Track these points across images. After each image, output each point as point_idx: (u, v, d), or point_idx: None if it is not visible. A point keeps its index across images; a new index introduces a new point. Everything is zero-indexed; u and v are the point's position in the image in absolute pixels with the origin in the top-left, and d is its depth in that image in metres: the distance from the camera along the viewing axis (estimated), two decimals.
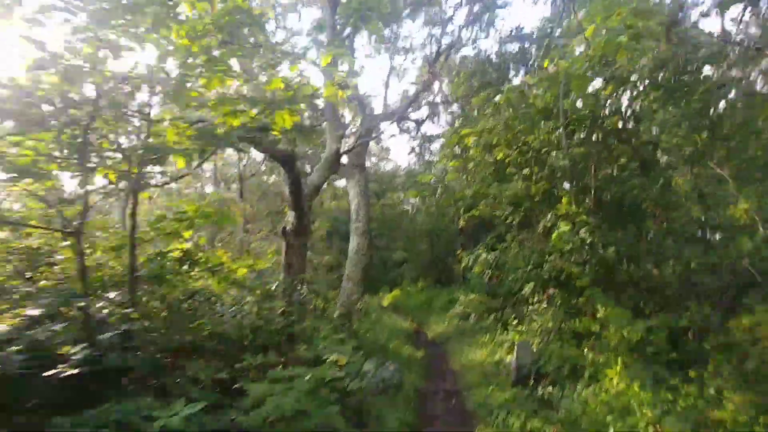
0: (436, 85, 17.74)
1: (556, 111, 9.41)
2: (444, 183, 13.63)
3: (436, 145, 23.52)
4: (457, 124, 13.03)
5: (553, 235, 8.56)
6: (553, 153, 9.51)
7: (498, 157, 11.02)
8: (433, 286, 24.10)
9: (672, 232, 7.96)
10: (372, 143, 26.34)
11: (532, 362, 7.69)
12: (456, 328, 13.62)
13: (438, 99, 18.96)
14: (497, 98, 10.24)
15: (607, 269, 7.54)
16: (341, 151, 10.97)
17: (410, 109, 16.71)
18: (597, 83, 9.63)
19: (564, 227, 8.45)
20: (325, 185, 15.69)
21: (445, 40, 16.60)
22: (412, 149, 23.26)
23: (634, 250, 7.53)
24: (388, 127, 19.12)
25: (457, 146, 12.93)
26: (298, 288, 9.69)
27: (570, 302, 8.28)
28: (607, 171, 9.69)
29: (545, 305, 9.32)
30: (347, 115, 17.53)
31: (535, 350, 8.03)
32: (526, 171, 9.94)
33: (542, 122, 9.48)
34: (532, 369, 7.49)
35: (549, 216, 9.26)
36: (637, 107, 9.51)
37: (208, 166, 20.80)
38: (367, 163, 28.46)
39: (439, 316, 16.36)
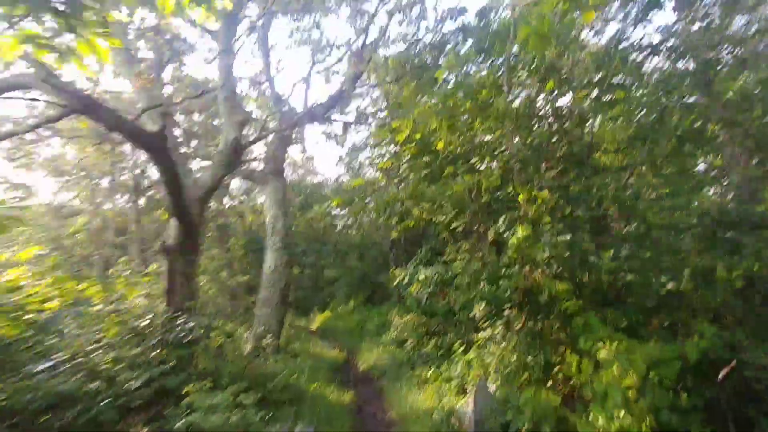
0: (362, 85, 15.78)
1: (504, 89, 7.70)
2: (374, 187, 11.57)
3: (366, 154, 21.57)
4: (386, 115, 11.10)
5: (511, 241, 6.71)
6: (505, 142, 7.75)
7: (438, 147, 9.15)
8: (365, 305, 21.90)
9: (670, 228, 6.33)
10: (295, 152, 23.92)
11: (495, 412, 5.67)
12: (392, 356, 11.46)
13: (367, 100, 16.99)
14: (436, 75, 8.38)
15: (597, 284, 5.75)
16: (242, 141, 8.56)
17: (335, 110, 14.58)
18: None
19: (522, 231, 6.63)
20: (243, 194, 13.14)
21: (373, 35, 14.75)
22: (340, 158, 21.09)
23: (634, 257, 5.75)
24: (310, 129, 16.87)
25: (387, 144, 10.95)
26: (182, 322, 7.13)
27: (537, 326, 6.40)
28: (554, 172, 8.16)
29: (500, 329, 7.42)
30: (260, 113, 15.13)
31: (497, 394, 6.04)
32: (474, 161, 8.10)
33: (491, 101, 7.70)
34: (496, 424, 5.46)
35: (502, 219, 7.43)
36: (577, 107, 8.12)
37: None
38: (290, 173, 26.00)
39: (372, 342, 14.13)
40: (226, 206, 21.91)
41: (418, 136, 9.71)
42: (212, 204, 19.74)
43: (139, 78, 9.40)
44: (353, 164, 20.21)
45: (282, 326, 12.52)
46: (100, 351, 6.07)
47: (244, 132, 9.62)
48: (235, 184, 23.68)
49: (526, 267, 6.73)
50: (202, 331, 7.02)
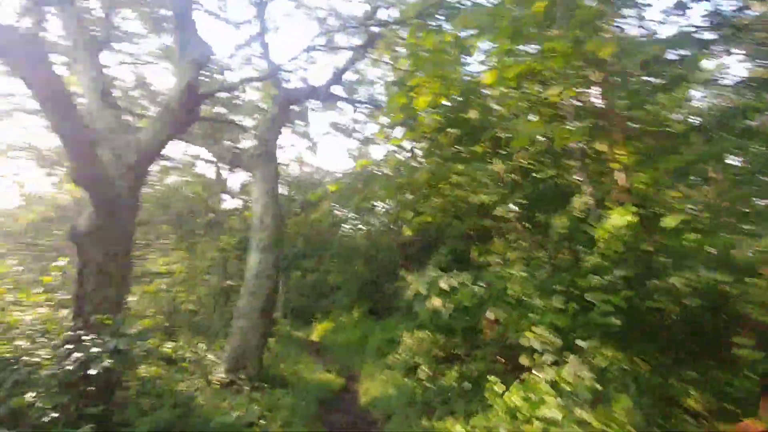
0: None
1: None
2: (384, 169, 8.96)
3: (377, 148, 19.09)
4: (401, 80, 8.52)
5: (598, 232, 4.07)
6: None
7: (472, 115, 6.57)
8: (368, 315, 19.18)
9: None
10: (300, 145, 21.35)
11: None
12: (400, 388, 8.75)
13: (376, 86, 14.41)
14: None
15: None
16: (198, 88, 5.92)
17: (341, 85, 12.07)
18: None
19: (622, 215, 3.99)
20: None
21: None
22: (349, 153, 18.50)
23: None
24: (312, 116, 14.34)
25: (401, 116, 8.36)
26: (95, 339, 4.56)
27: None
28: None
29: (577, 368, 4.72)
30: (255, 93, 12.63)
31: None
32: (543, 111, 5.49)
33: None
34: None
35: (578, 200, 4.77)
36: None
37: None
38: (294, 170, 23.43)
39: (376, 364, 11.44)
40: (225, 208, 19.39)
41: (441, 99, 7.13)
42: (209, 201, 17.22)
43: None
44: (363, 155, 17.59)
45: (264, 344, 9.86)
46: None
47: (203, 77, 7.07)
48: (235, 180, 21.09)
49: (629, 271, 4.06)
50: (110, 361, 4.39)
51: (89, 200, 4.81)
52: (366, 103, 13.14)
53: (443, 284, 7.01)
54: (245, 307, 9.59)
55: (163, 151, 8.76)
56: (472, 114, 7.19)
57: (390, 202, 9.45)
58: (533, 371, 5.49)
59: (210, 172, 19.53)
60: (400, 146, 8.46)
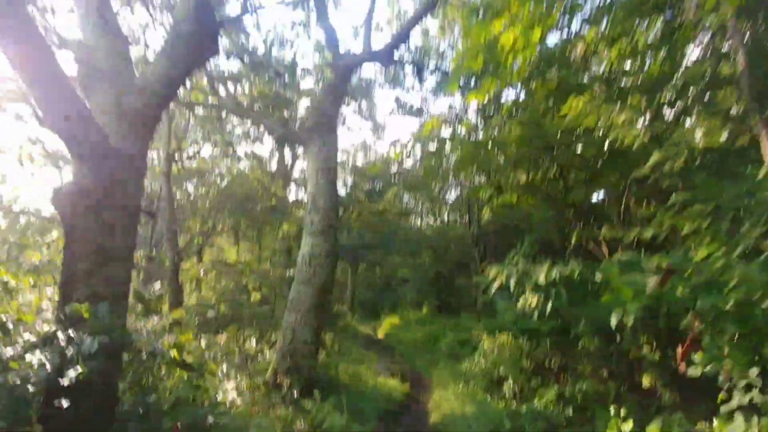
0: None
1: None
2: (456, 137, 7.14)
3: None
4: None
5: None
6: None
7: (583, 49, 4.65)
8: (437, 312, 17.43)
9: None
10: (366, 129, 20.01)
11: None
12: (482, 408, 6.92)
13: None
14: None
15: None
16: (215, 11, 4.40)
17: (405, 48, 10.39)
18: None
19: None
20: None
21: None
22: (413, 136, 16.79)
23: None
24: (375, 80, 12.76)
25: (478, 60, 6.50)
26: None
27: None
28: None
29: None
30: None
31: None
32: None
33: None
34: None
35: None
36: None
37: None
38: (359, 161, 22.14)
39: (448, 369, 9.70)
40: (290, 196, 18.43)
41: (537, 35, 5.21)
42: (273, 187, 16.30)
43: None
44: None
45: (318, 340, 8.48)
46: None
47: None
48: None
49: None
50: (81, 368, 3.06)
51: (69, 152, 3.60)
52: (434, 71, 11.34)
53: (540, 276, 5.13)
54: (296, 299, 8.24)
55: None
56: (580, 48, 5.23)
57: (465, 177, 7.64)
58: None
59: (273, 160, 18.73)
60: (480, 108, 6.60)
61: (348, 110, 15.29)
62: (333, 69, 10.27)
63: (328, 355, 10.04)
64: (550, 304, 5.02)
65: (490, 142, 5.47)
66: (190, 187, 15.74)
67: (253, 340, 9.43)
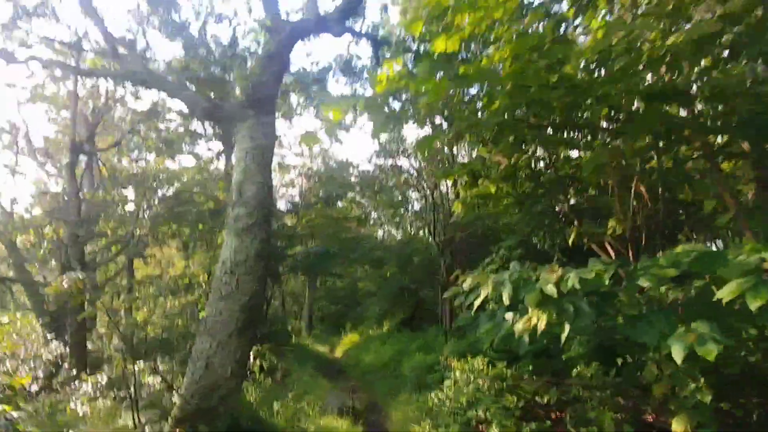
0: None
1: None
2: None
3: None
4: None
5: None
6: None
7: None
8: (401, 329, 15.48)
9: None
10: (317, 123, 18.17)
11: None
12: None
13: None
14: None
15: None
16: None
17: (361, 16, 8.60)
18: None
19: None
20: None
21: None
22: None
23: None
24: (333, 71, 10.88)
25: None
26: None
27: None
28: None
29: None
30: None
31: None
32: None
33: None
34: None
35: None
36: None
37: None
38: (314, 163, 20.11)
39: (411, 401, 7.78)
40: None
41: None
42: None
43: None
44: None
45: (242, 372, 6.38)
46: None
47: None
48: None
49: None
50: None
51: None
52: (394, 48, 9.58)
53: (549, 284, 3.31)
54: (212, 319, 6.14)
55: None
56: None
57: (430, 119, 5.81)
58: None
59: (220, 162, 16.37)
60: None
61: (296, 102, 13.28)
62: (272, 36, 8.35)
63: (262, 389, 7.90)
64: (570, 324, 3.19)
65: (472, 72, 3.62)
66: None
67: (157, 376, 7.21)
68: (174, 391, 6.56)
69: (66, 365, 8.86)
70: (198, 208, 12.54)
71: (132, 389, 6.51)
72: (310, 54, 37.35)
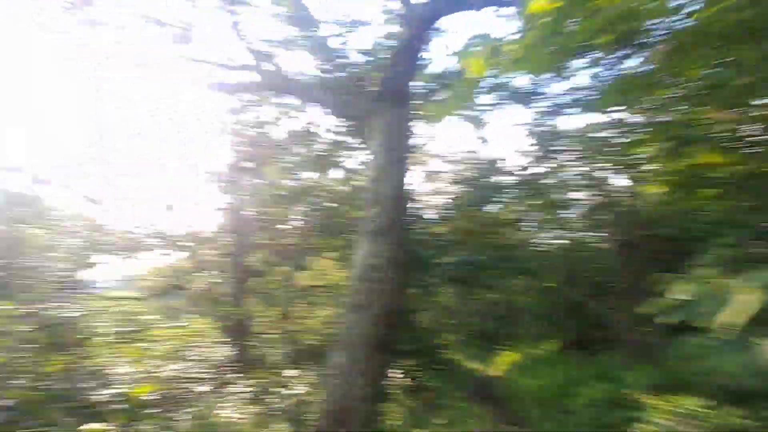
0: None
1: None
2: None
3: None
4: None
5: None
6: None
7: None
8: (570, 350, 13.27)
9: None
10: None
11: None
12: None
13: None
14: None
15: None
16: None
17: None
18: None
19: None
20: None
21: None
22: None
23: None
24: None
25: None
26: None
27: None
28: None
29: None
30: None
31: None
32: None
33: None
34: None
35: None
36: None
37: None
38: (461, 164, 19.00)
39: None
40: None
41: None
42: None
43: None
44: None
45: (378, 393, 5.58)
46: None
47: None
48: None
49: None
50: None
51: None
52: None
53: None
54: (345, 331, 5.52)
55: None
56: None
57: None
58: None
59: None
60: None
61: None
62: (404, 22, 7.67)
63: (406, 412, 7.06)
64: None
65: None
66: None
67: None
68: (314, 405, 6.12)
69: (227, 368, 9.35)
70: (345, 218, 12.56)
71: (280, 398, 6.27)
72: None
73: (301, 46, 9.38)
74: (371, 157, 6.62)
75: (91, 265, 12.62)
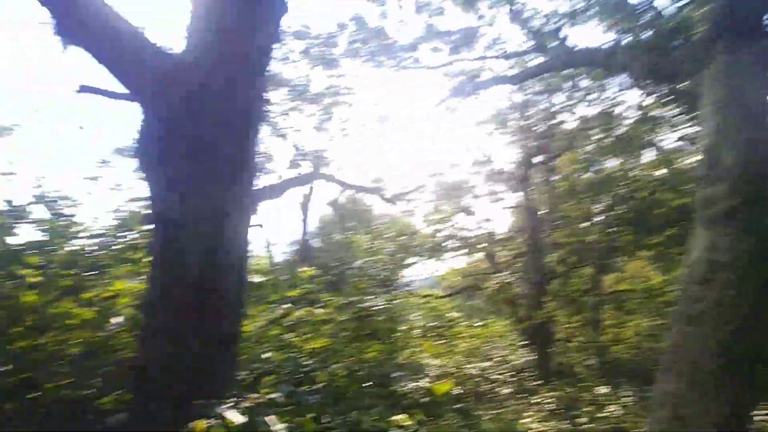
0: None
1: None
2: None
3: None
4: None
5: None
6: None
7: None
8: None
9: None
10: None
11: None
12: None
13: None
14: None
15: None
16: None
17: None
18: None
19: None
20: None
21: None
22: None
23: None
24: None
25: None
26: None
27: None
28: None
29: None
30: None
31: None
32: None
33: None
34: None
35: None
36: None
37: None
38: None
39: None
40: None
41: None
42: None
43: None
44: None
45: None
46: None
47: None
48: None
49: None
50: None
51: None
52: None
53: None
54: (675, 349, 4.19)
55: None
56: None
57: None
58: None
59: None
60: None
61: None
62: None
63: None
64: None
65: None
66: None
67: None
68: None
69: (528, 374, 8.85)
70: (664, 208, 10.27)
71: (589, 417, 5.42)
72: None
73: (593, 13, 8.20)
74: (705, 120, 4.96)
75: (406, 266, 14.45)
